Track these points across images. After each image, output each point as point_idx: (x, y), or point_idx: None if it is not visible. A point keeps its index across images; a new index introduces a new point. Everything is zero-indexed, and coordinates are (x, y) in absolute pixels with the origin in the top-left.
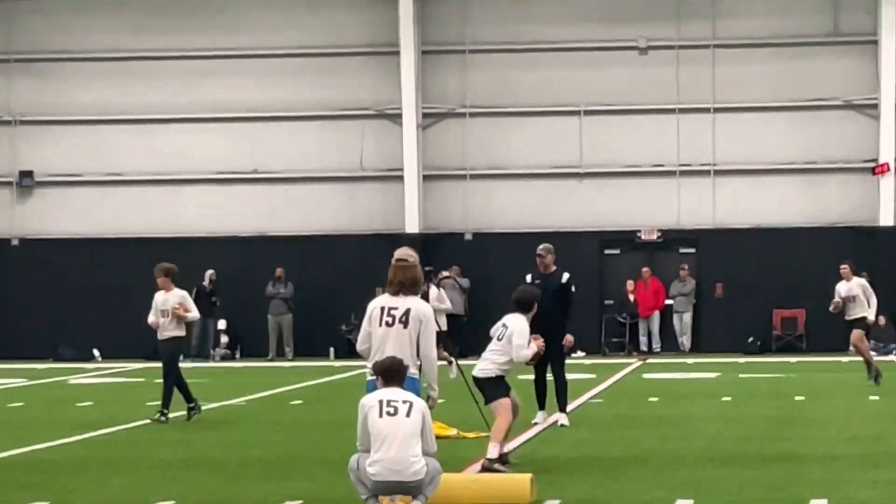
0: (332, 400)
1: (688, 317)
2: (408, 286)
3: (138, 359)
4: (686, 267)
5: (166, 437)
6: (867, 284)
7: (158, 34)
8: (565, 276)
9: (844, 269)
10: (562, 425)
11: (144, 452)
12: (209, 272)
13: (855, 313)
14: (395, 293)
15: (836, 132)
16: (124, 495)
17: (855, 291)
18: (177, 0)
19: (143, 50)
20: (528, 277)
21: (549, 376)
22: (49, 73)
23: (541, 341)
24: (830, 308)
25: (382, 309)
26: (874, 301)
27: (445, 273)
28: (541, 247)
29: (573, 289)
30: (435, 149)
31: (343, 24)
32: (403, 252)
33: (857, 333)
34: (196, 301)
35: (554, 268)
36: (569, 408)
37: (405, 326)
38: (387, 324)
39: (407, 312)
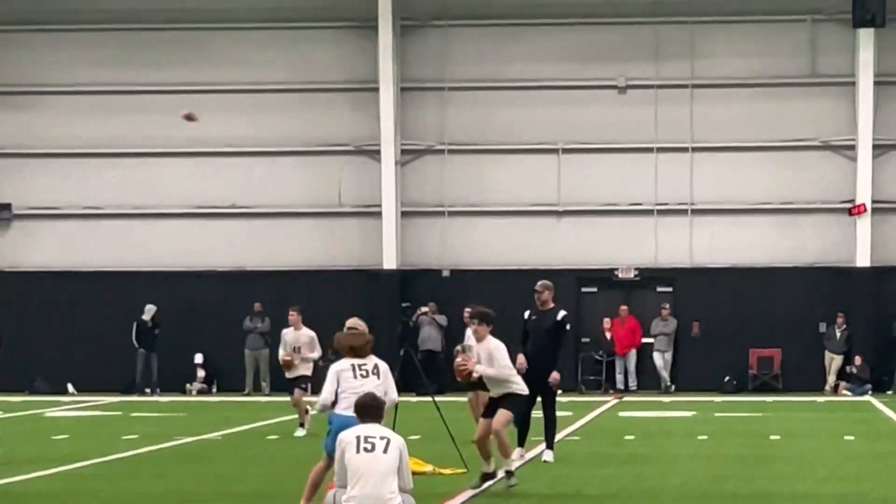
0: (309, 435)
1: (669, 356)
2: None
3: (114, 392)
4: (667, 306)
5: (143, 470)
6: None
7: (138, 69)
8: (561, 314)
9: None
10: (546, 461)
11: (121, 486)
12: (150, 307)
13: None
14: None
15: (814, 173)
16: None
17: None
18: (157, 35)
19: (123, 84)
20: (526, 314)
21: (534, 414)
22: (28, 107)
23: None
24: None
25: (353, 366)
26: None
27: (424, 309)
28: (539, 283)
29: (568, 327)
30: (413, 185)
31: (323, 61)
32: (354, 321)
33: None
34: (137, 336)
35: (552, 305)
36: None
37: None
38: (362, 376)
39: (376, 366)
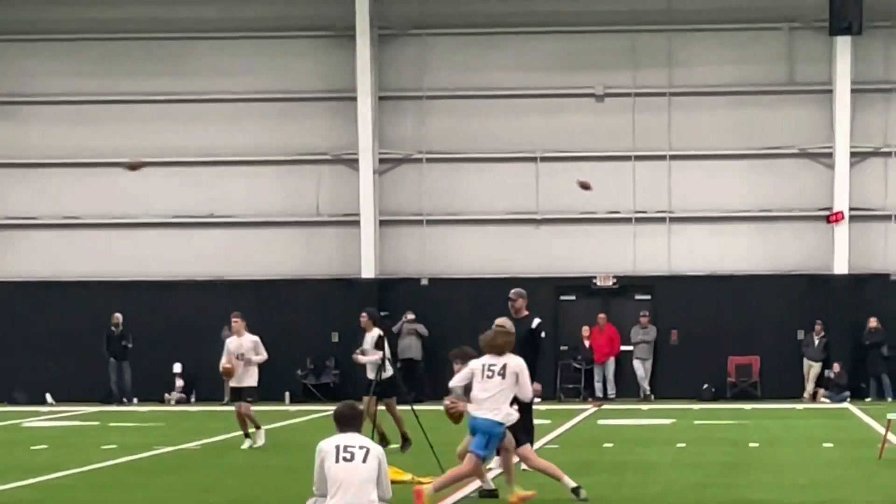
0: (288, 444)
1: (650, 364)
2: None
3: (92, 402)
4: (647, 314)
5: (122, 480)
6: None
7: (116, 78)
8: (535, 322)
9: None
10: (524, 469)
11: (100, 496)
12: (116, 315)
13: None
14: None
15: (791, 180)
16: None
17: None
18: (134, 45)
19: (101, 94)
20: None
21: None
22: (6, 117)
23: None
24: None
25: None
26: None
27: (410, 316)
28: (512, 291)
29: (543, 335)
30: (391, 194)
31: (301, 70)
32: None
33: None
34: (108, 346)
35: (525, 313)
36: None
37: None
38: (488, 377)
39: (504, 367)
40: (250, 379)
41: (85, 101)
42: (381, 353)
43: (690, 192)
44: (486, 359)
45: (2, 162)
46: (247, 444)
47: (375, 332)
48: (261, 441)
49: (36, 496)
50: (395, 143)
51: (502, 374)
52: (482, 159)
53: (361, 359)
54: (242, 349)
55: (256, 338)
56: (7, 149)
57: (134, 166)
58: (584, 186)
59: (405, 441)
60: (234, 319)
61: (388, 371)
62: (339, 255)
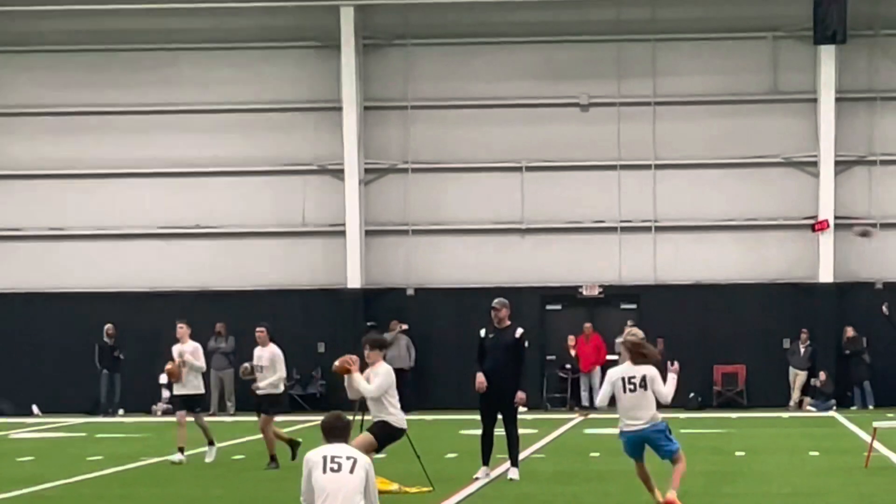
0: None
1: None
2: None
3: (79, 413)
4: (633, 323)
5: (108, 492)
6: None
7: (101, 89)
8: (519, 332)
9: None
10: (511, 479)
11: None
12: (107, 326)
13: None
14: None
15: (776, 189)
16: None
17: None
18: (119, 56)
19: (86, 105)
20: (483, 332)
21: (498, 432)
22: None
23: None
24: None
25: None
26: None
27: (404, 326)
28: (496, 300)
29: (526, 344)
30: (377, 204)
31: (286, 81)
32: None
33: None
34: (100, 358)
35: (508, 322)
36: None
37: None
38: (630, 390)
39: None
40: (195, 388)
41: (71, 113)
42: (280, 372)
43: (676, 202)
44: (626, 370)
45: None
46: (177, 457)
47: (271, 349)
48: (211, 458)
49: None
50: (381, 153)
51: (643, 385)
52: (467, 169)
53: (262, 385)
54: (184, 355)
55: (198, 345)
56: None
57: (865, 233)
58: (864, 234)
59: (273, 460)
60: (178, 326)
61: (281, 388)
62: (325, 266)
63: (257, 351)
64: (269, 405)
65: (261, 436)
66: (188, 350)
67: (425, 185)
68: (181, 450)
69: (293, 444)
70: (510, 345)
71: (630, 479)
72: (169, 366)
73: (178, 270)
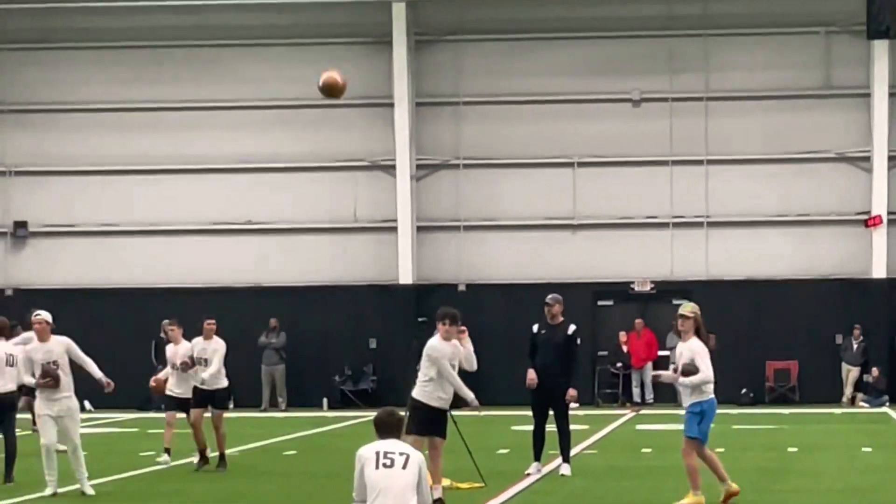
0: (326, 451)
1: None
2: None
3: (130, 409)
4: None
5: (159, 487)
6: None
7: (152, 86)
8: (571, 328)
9: None
10: (563, 475)
11: (138, 503)
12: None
13: None
14: None
15: (829, 185)
16: None
17: None
18: (171, 52)
19: (137, 101)
20: (535, 327)
21: (549, 428)
22: (43, 124)
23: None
24: None
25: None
26: None
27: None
28: (550, 296)
29: (578, 341)
30: (429, 200)
31: None
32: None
33: None
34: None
35: (561, 319)
36: None
37: None
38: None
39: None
40: (183, 389)
41: (122, 109)
42: (219, 364)
43: (728, 197)
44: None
45: (39, 170)
46: (164, 458)
47: (216, 342)
48: (165, 458)
49: None
50: (432, 149)
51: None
52: (519, 164)
53: (206, 377)
54: (177, 357)
55: (190, 345)
56: (44, 157)
57: None
58: None
59: (203, 459)
60: (170, 328)
61: (225, 382)
62: (377, 262)
63: (201, 343)
64: (220, 400)
65: (190, 431)
66: (182, 352)
67: (477, 180)
68: (167, 451)
69: (203, 454)
70: (562, 341)
71: (682, 475)
72: (153, 383)
73: (229, 266)
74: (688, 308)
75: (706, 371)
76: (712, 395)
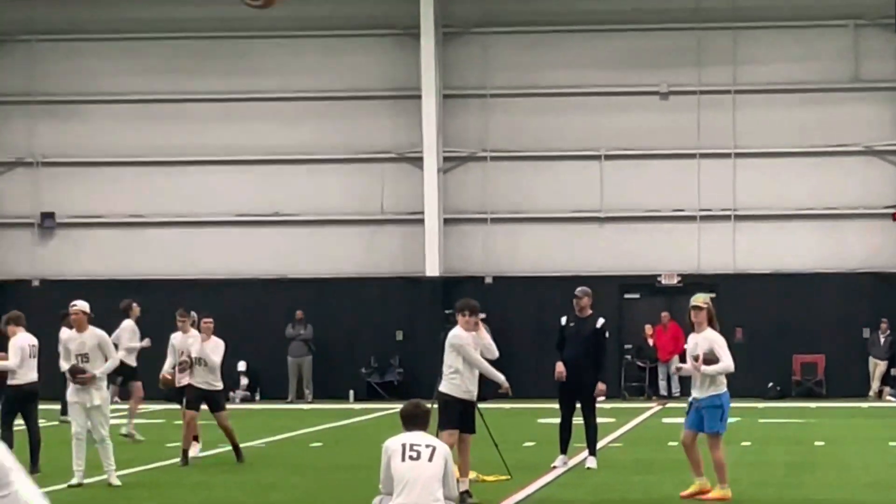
0: (352, 443)
1: None
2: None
3: (157, 400)
4: None
5: (186, 479)
6: None
7: (181, 77)
8: (600, 322)
9: None
10: (589, 468)
11: (164, 494)
12: (192, 314)
13: None
14: None
15: (857, 178)
16: None
17: None
18: (199, 44)
19: (165, 93)
20: (563, 319)
21: (575, 420)
22: (71, 116)
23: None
24: None
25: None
26: None
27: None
28: (579, 289)
29: (607, 335)
30: (456, 192)
31: (365, 68)
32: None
33: None
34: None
35: (590, 311)
36: None
37: None
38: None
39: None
40: (216, 380)
41: (149, 100)
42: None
43: (755, 190)
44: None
45: (67, 161)
46: (196, 449)
47: (215, 341)
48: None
49: (100, 495)
50: (459, 141)
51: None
52: (546, 157)
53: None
54: (187, 348)
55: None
56: (71, 148)
57: None
58: None
59: (185, 459)
60: (181, 319)
61: (220, 385)
62: (403, 254)
63: (198, 343)
64: (216, 403)
65: (190, 429)
66: (189, 343)
67: (504, 173)
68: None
69: (187, 454)
70: (591, 334)
71: (708, 468)
72: (166, 375)
73: (256, 258)
74: (700, 299)
75: (727, 360)
76: (726, 388)
